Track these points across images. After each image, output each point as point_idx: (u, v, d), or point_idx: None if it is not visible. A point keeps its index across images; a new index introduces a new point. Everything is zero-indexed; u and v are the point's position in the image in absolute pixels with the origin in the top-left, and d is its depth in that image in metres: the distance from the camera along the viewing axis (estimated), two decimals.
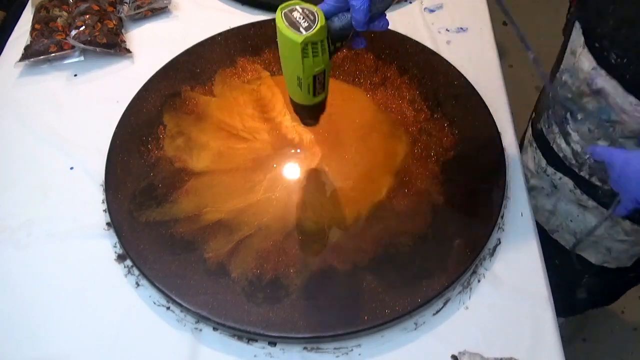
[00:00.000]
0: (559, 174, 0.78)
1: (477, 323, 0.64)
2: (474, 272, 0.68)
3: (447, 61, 0.88)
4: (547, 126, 0.79)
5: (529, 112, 0.94)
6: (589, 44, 0.64)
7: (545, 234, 0.87)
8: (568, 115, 0.72)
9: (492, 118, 0.80)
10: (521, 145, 0.89)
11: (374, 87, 0.85)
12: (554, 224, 0.84)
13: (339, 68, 0.88)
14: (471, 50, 0.94)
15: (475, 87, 0.84)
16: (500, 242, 0.71)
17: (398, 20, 0.98)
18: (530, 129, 0.86)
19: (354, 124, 0.81)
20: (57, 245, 0.71)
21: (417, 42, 0.91)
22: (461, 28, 0.97)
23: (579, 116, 0.71)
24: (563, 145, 0.76)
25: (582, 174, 0.75)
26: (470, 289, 0.67)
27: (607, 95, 0.64)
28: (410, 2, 1.02)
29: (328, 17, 0.57)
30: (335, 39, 0.58)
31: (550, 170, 0.80)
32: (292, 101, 0.66)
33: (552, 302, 0.66)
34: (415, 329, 0.64)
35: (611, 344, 1.39)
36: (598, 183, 0.74)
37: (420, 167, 0.75)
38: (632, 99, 0.61)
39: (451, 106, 0.82)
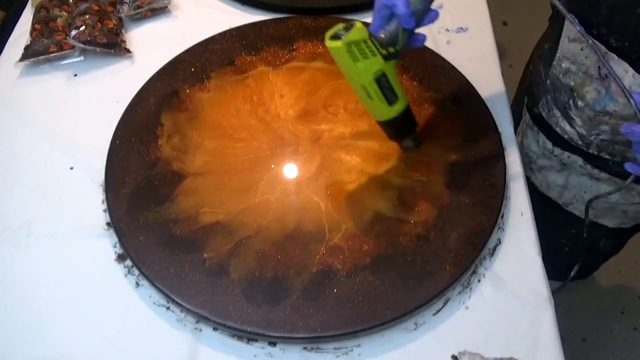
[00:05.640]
0: (567, 153, 0.80)
1: (477, 323, 0.64)
2: (474, 272, 0.68)
3: (447, 61, 0.88)
4: (547, 110, 0.81)
5: None
6: (588, 32, 0.65)
7: (559, 209, 0.88)
8: (571, 101, 0.74)
9: (492, 118, 0.81)
10: (516, 128, 0.90)
11: None
12: (568, 197, 0.86)
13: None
14: (471, 50, 0.94)
15: (475, 87, 0.84)
16: (500, 242, 0.71)
17: None
18: (527, 114, 0.87)
19: (354, 124, 0.81)
20: (57, 245, 0.71)
21: None
22: (461, 28, 0.98)
23: (580, 104, 0.73)
24: (567, 128, 0.77)
25: (590, 151, 0.77)
26: (470, 289, 0.67)
27: (611, 81, 0.65)
28: None
29: (378, 30, 0.62)
30: (387, 43, 0.61)
31: (557, 150, 0.81)
32: (384, 128, 0.69)
33: (553, 302, 0.66)
34: (415, 329, 0.64)
35: (611, 344, 1.39)
36: (608, 157, 0.75)
37: (420, 167, 0.75)
38: None
39: (451, 106, 0.82)
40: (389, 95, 0.64)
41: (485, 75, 0.89)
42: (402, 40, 0.62)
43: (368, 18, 0.97)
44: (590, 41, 0.58)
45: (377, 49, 0.61)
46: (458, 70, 0.87)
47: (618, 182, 0.78)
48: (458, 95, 0.84)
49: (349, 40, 0.59)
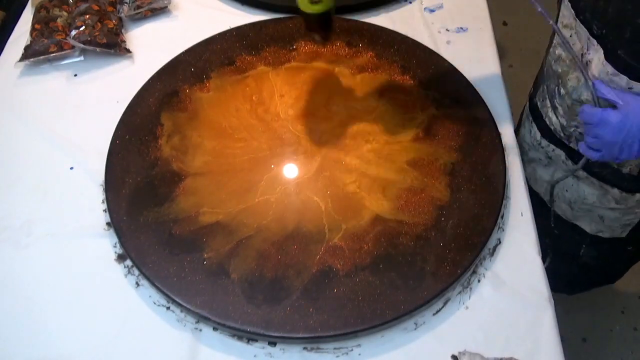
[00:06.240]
0: (552, 146, 0.81)
1: (477, 323, 0.64)
2: (474, 272, 0.68)
3: (447, 61, 0.88)
4: (541, 100, 0.82)
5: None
6: (577, 16, 0.67)
7: (545, 205, 0.89)
8: (556, 89, 0.75)
9: (492, 118, 0.81)
10: (520, 121, 0.91)
11: (374, 87, 0.85)
12: (552, 193, 0.86)
13: (339, 68, 0.88)
14: (471, 50, 0.94)
15: (475, 87, 0.84)
16: (500, 242, 0.71)
17: (398, 20, 0.98)
18: (527, 104, 0.88)
19: (354, 124, 0.81)
20: (57, 245, 0.71)
21: (417, 42, 0.91)
22: (461, 28, 0.97)
23: (562, 91, 0.74)
24: (554, 118, 0.79)
25: (571, 145, 0.78)
26: (470, 289, 0.67)
27: (589, 70, 0.66)
28: (410, 2, 1.02)
29: None
30: None
31: (544, 142, 0.83)
32: (303, 19, 0.76)
33: (552, 302, 0.66)
34: (415, 329, 0.64)
35: (611, 344, 1.39)
36: None
37: (420, 167, 0.75)
38: (609, 68, 0.63)
39: (451, 106, 0.82)
40: None
41: (485, 75, 0.89)
42: None
43: (367, 18, 0.98)
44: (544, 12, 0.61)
45: None
46: (458, 70, 0.87)
47: (595, 183, 0.78)
48: (458, 95, 0.84)
49: None
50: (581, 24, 0.65)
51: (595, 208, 0.82)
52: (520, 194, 0.76)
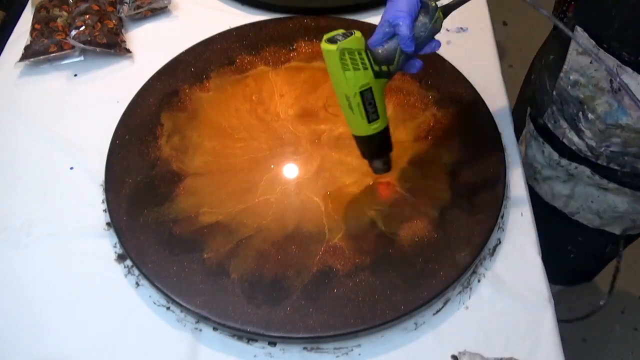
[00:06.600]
0: (574, 164, 0.79)
1: (477, 323, 0.64)
2: (474, 272, 0.68)
3: (447, 61, 0.88)
4: (553, 122, 0.80)
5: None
6: (599, 45, 0.64)
7: (565, 216, 0.88)
8: (580, 114, 0.73)
9: (492, 118, 0.81)
10: (518, 135, 0.90)
11: None
12: (574, 206, 0.85)
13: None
14: (471, 50, 0.94)
15: (475, 87, 0.84)
16: (500, 242, 0.71)
17: None
18: (531, 125, 0.86)
19: None
20: (57, 245, 0.71)
21: None
22: (461, 28, 0.97)
23: (590, 116, 0.72)
24: (575, 139, 0.76)
25: (599, 162, 0.76)
26: (470, 289, 0.67)
27: (624, 95, 0.64)
28: None
29: (376, 45, 0.61)
30: (381, 61, 0.61)
31: (564, 161, 0.80)
32: (358, 144, 0.67)
33: (552, 302, 0.66)
34: (415, 329, 0.64)
35: (611, 344, 1.39)
36: (617, 167, 0.75)
37: (420, 168, 0.75)
38: None
39: (451, 106, 0.82)
40: (370, 112, 0.62)
41: (485, 75, 0.89)
42: (398, 61, 0.61)
43: (367, 18, 0.98)
44: (604, 67, 0.57)
45: (371, 63, 0.60)
46: (458, 70, 0.87)
47: (627, 192, 0.77)
48: (458, 95, 0.84)
49: (343, 47, 0.58)
50: (606, 53, 0.63)
51: (628, 214, 0.81)
52: (520, 194, 0.76)
